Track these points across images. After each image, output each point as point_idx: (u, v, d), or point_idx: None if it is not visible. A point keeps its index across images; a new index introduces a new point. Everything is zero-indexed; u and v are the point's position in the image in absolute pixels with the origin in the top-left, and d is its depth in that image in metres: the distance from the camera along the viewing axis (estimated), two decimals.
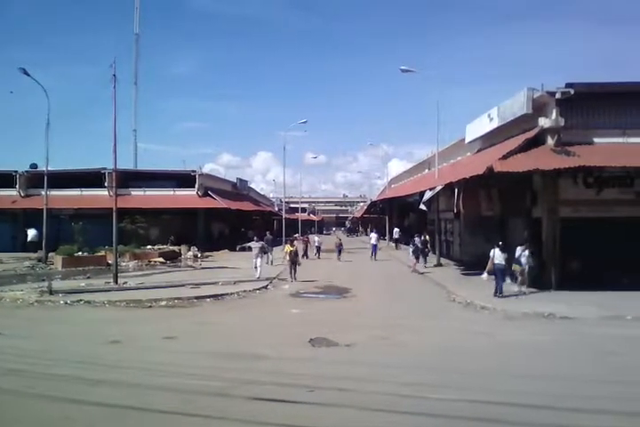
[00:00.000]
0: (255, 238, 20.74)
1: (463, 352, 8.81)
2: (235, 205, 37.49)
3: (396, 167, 74.04)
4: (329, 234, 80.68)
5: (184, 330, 10.73)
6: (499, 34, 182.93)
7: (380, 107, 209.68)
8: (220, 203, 34.33)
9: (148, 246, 30.47)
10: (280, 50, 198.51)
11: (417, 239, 24.00)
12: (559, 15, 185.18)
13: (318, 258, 30.80)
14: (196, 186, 35.26)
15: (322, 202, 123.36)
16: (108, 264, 22.93)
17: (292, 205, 70.81)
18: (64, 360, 8.06)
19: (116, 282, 17.32)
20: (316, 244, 32.62)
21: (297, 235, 48.48)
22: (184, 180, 35.57)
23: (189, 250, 31.23)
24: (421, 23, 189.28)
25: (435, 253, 26.01)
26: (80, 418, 5.76)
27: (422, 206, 23.08)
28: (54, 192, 29.70)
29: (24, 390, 6.49)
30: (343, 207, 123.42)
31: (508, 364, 8.15)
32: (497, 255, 14.80)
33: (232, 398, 6.34)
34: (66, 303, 14.12)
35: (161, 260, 27.34)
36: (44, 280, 16.63)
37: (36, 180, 32.75)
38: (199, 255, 30.35)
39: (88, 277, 19.68)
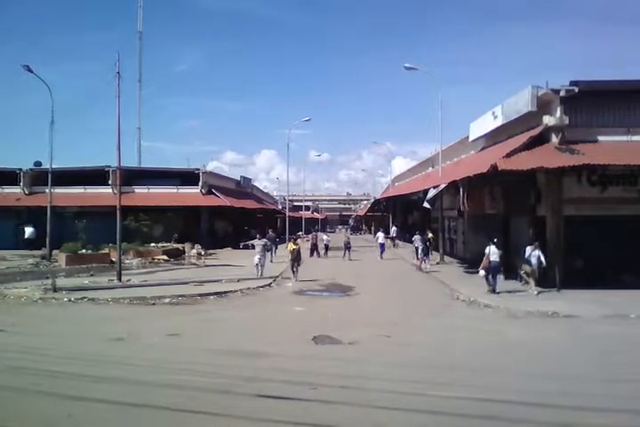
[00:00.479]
0: (258, 236, 20.76)
1: (466, 350, 8.80)
2: (238, 203, 37.46)
3: (400, 165, 74.19)
4: (333, 232, 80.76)
5: (188, 327, 10.75)
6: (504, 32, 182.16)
7: (384, 105, 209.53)
8: (223, 201, 34.33)
9: (152, 244, 30.47)
10: (284, 48, 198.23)
11: (418, 237, 23.85)
12: (559, 15, 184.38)
13: (326, 256, 30.10)
14: (200, 184, 35.28)
15: (325, 200, 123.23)
16: (112, 262, 23.00)
17: (295, 203, 70.47)
18: (67, 357, 8.07)
19: (120, 279, 17.36)
20: (325, 242, 32.11)
21: (300, 233, 48.49)
22: (188, 178, 35.58)
23: (193, 248, 31.28)
24: (424, 21, 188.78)
25: (438, 250, 25.96)
26: (84, 415, 5.77)
27: (426, 204, 23.06)
28: (58, 190, 29.83)
29: (28, 387, 6.50)
30: (347, 205, 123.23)
31: (511, 362, 8.14)
32: (492, 252, 14.78)
33: (236, 395, 6.35)
34: (70, 301, 14.13)
35: (164, 257, 27.39)
36: (47, 278, 16.67)
37: (39, 177, 32.81)
38: (203, 253, 30.40)
39: (92, 275, 19.75)
